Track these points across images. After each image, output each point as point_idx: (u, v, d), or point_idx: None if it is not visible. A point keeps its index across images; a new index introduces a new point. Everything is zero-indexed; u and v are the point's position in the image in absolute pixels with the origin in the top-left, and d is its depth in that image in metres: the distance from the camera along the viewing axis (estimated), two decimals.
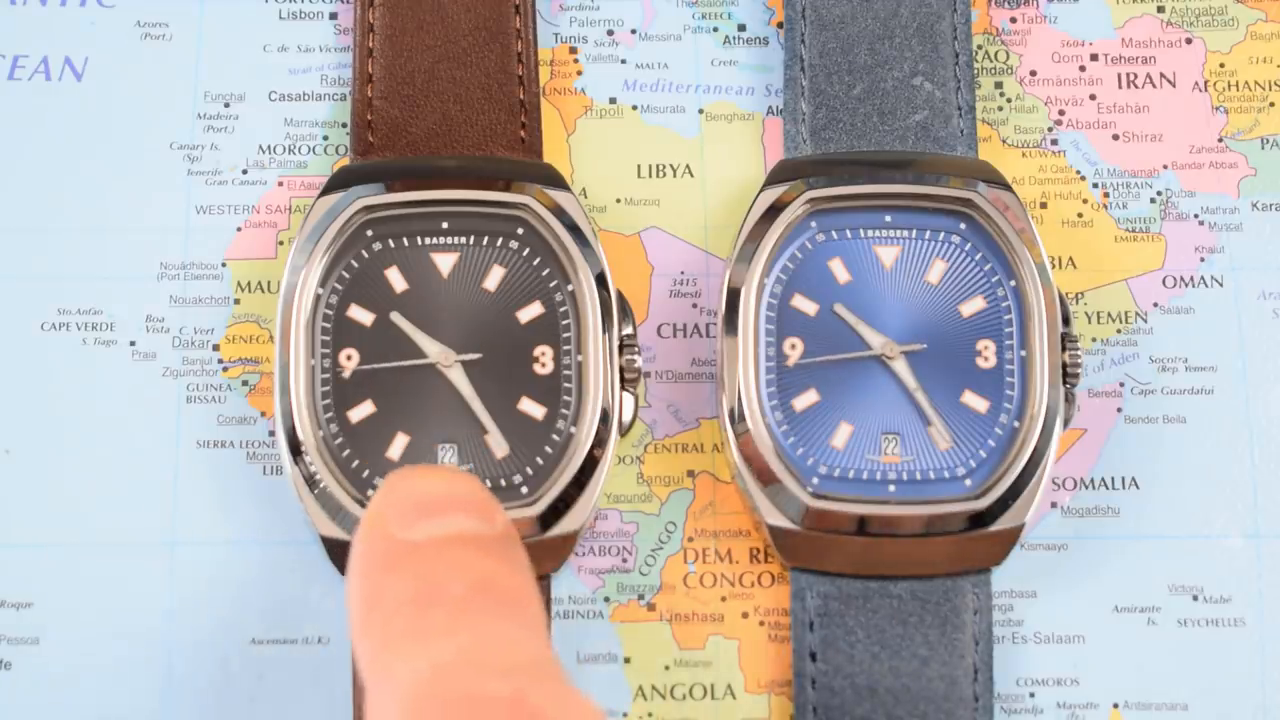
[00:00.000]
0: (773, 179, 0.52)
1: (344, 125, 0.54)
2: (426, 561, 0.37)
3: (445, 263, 0.50)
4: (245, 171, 0.54)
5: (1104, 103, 0.55)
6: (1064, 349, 0.50)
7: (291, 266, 0.50)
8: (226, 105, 0.54)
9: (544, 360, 0.50)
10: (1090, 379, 0.53)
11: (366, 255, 0.50)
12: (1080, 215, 0.54)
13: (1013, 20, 0.56)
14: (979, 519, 0.49)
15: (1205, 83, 0.55)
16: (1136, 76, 0.55)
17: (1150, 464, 0.52)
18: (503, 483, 0.49)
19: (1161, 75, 0.55)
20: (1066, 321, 0.50)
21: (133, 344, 0.52)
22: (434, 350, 0.49)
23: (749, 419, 0.49)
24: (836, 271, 0.51)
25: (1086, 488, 0.52)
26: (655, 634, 0.50)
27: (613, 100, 0.55)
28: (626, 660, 0.50)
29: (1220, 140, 0.55)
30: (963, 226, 0.51)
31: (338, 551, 0.48)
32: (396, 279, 0.50)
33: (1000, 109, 0.55)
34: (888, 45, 0.54)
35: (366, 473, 0.49)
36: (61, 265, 0.52)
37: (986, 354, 0.50)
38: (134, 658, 0.49)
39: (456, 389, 0.49)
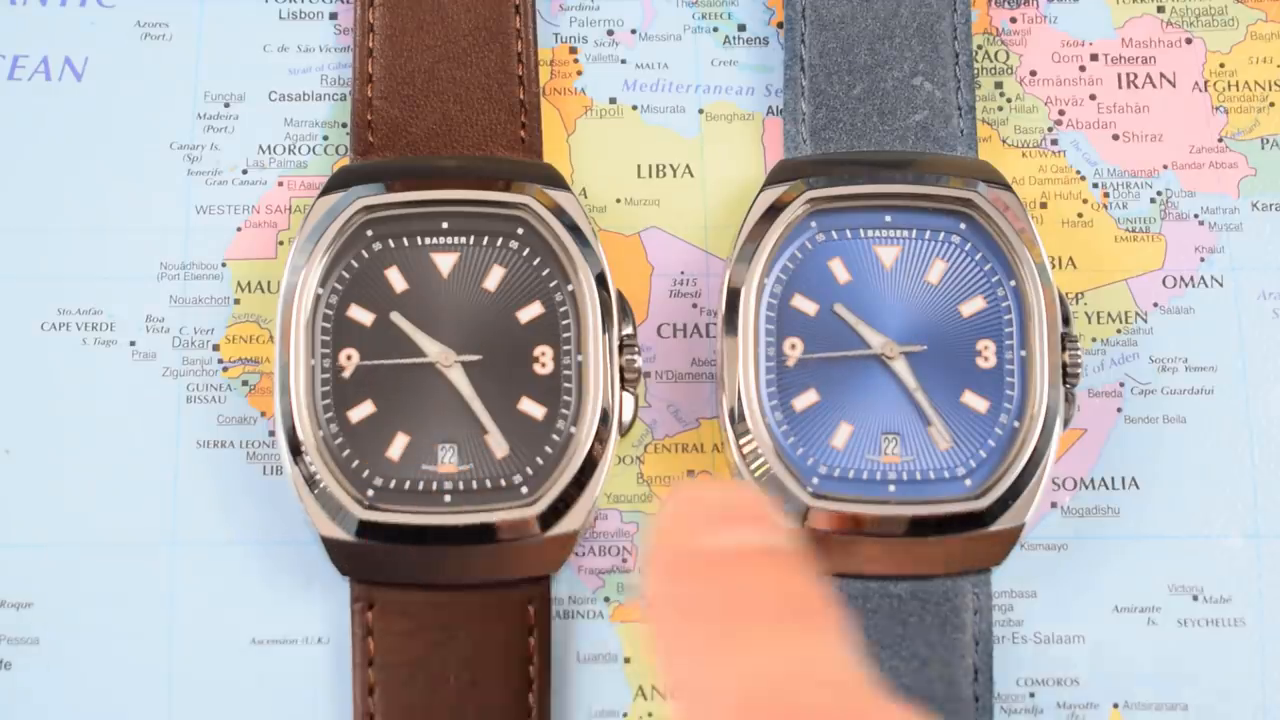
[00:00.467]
0: (773, 179, 0.51)
1: (344, 125, 0.54)
2: (735, 573, 0.36)
3: (445, 263, 0.50)
4: (245, 171, 0.53)
5: (1104, 103, 0.55)
6: (1064, 349, 0.50)
7: (291, 266, 0.50)
8: (226, 105, 0.54)
9: (544, 360, 0.50)
10: (1090, 379, 0.53)
11: (366, 255, 0.50)
12: (1080, 215, 0.54)
13: (1013, 20, 0.56)
14: (979, 519, 0.49)
15: (1205, 83, 0.55)
16: (1136, 76, 0.55)
17: (1150, 464, 0.52)
18: (502, 483, 0.49)
19: (1161, 75, 0.55)
20: (1066, 321, 0.50)
21: (133, 344, 0.52)
22: (434, 350, 0.49)
23: (749, 419, 0.49)
24: (836, 271, 0.51)
25: (1086, 488, 0.52)
26: None
27: (613, 100, 0.55)
28: (626, 660, 0.50)
29: (1220, 140, 0.55)
30: (963, 226, 0.51)
31: (338, 551, 0.48)
32: (396, 279, 0.50)
33: (1000, 109, 0.55)
34: (888, 45, 0.53)
35: (366, 473, 0.49)
36: (61, 265, 0.52)
37: (986, 354, 0.50)
38: (134, 658, 0.49)
39: (456, 389, 0.49)
